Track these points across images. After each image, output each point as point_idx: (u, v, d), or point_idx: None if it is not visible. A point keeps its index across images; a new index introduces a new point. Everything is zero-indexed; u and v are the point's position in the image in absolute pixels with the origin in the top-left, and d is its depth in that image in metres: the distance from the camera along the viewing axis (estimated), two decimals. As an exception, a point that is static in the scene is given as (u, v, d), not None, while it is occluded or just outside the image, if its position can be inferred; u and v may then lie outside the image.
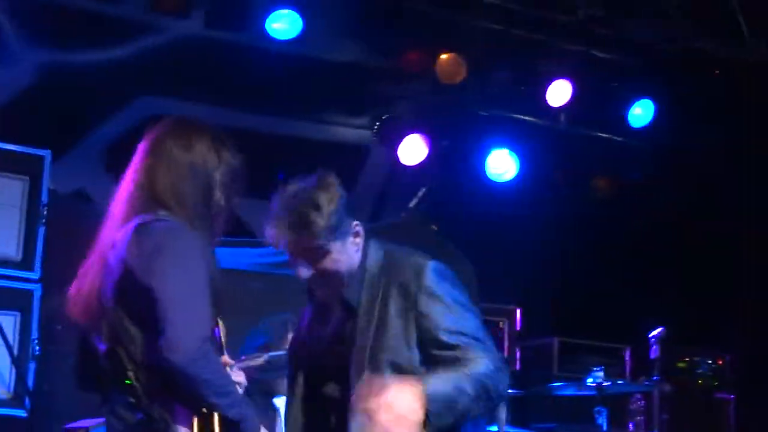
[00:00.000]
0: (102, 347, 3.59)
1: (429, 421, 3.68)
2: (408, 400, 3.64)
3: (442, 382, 3.75)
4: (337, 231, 3.87)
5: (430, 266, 3.94)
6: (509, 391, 3.92)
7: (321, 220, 3.81)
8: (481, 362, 3.85)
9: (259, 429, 3.66)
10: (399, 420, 3.62)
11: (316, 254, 3.89)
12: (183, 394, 3.51)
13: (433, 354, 3.89)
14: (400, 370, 3.96)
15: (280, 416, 5.46)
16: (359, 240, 3.97)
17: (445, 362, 3.86)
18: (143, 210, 3.61)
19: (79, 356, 3.83)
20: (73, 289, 3.73)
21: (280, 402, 5.44)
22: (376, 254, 4.01)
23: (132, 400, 3.47)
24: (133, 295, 3.50)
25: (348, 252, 3.95)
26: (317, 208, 3.84)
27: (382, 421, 3.61)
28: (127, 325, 3.53)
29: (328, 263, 3.92)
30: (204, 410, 3.53)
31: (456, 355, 3.84)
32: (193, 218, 3.61)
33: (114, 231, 3.63)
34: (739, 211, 8.16)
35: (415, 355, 3.94)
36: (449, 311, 3.90)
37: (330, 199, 3.87)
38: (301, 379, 4.15)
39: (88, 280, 3.67)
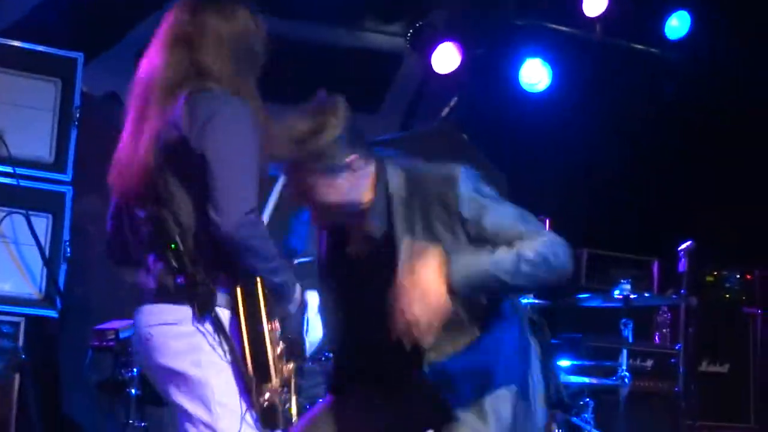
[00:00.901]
0: (142, 213, 3.62)
1: (457, 294, 3.68)
2: (431, 274, 3.65)
3: (475, 257, 3.73)
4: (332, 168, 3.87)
5: (462, 173, 3.91)
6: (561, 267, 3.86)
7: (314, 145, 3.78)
8: (535, 238, 3.85)
9: (297, 293, 3.72)
10: (423, 294, 3.62)
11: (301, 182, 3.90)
12: (228, 259, 3.55)
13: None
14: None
15: (307, 308, 5.50)
16: (354, 177, 3.93)
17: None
18: (189, 80, 3.61)
19: (113, 227, 3.84)
20: (116, 156, 3.73)
21: (309, 296, 5.49)
22: (396, 178, 3.97)
23: (175, 264, 3.48)
24: (185, 161, 3.52)
25: (337, 185, 3.90)
26: (314, 133, 3.83)
27: (410, 295, 3.61)
28: (174, 190, 3.55)
29: (318, 194, 3.90)
30: (245, 279, 3.57)
31: (510, 240, 3.85)
32: (239, 87, 3.61)
33: (159, 101, 3.61)
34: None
35: None
36: (492, 209, 3.88)
37: (328, 125, 3.83)
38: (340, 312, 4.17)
39: (129, 147, 3.67)
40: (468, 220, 3.87)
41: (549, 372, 4.24)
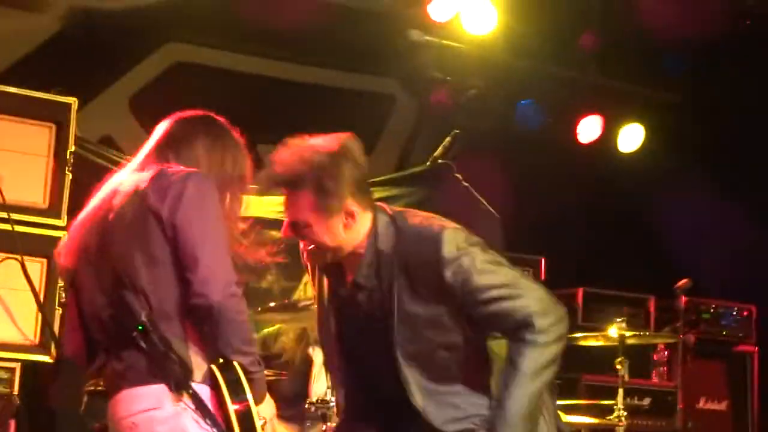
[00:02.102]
0: (101, 298, 3.56)
1: None
2: None
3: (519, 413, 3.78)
4: (326, 209, 3.89)
5: (445, 237, 3.89)
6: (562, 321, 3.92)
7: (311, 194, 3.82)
8: (526, 309, 3.85)
9: (265, 385, 3.65)
10: None
11: (298, 223, 3.90)
12: (205, 338, 3.54)
13: (478, 314, 3.89)
14: (453, 348, 3.98)
15: (315, 364, 5.49)
16: (353, 223, 3.94)
17: (490, 319, 3.88)
18: (159, 162, 3.65)
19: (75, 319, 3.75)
20: (71, 233, 3.72)
21: (314, 353, 5.48)
22: (386, 232, 3.97)
23: (144, 345, 3.42)
24: (154, 238, 3.50)
25: (334, 230, 3.91)
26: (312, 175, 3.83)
27: None
28: (142, 265, 3.49)
29: (312, 235, 3.92)
30: (220, 360, 3.56)
31: (499, 308, 3.86)
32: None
33: (128, 179, 3.63)
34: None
35: (465, 326, 3.94)
36: (477, 272, 3.88)
37: (331, 176, 3.83)
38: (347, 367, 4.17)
39: (85, 226, 3.66)
40: (452, 285, 3.87)
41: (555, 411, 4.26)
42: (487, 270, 3.86)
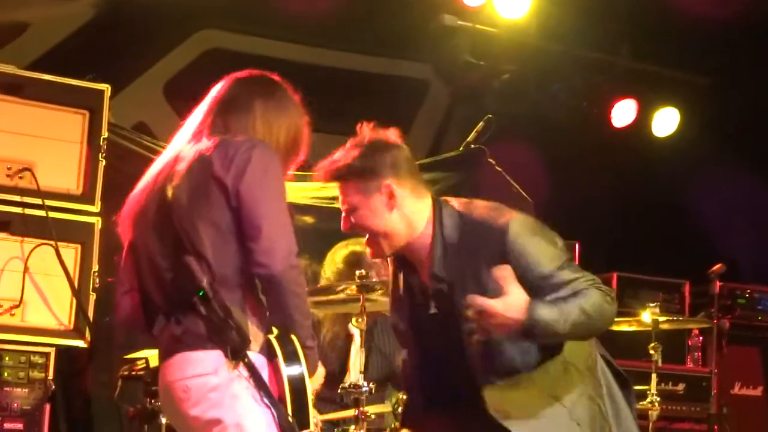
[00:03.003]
0: (164, 261, 3.57)
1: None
2: (513, 314, 3.75)
3: (550, 309, 3.81)
4: (366, 189, 3.93)
5: (512, 224, 3.93)
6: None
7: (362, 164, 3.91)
8: (590, 292, 3.89)
9: (317, 359, 3.66)
10: (499, 326, 3.77)
11: (350, 209, 3.96)
12: (260, 304, 3.56)
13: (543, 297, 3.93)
14: (519, 358, 4.01)
15: (356, 339, 5.50)
16: (393, 203, 3.98)
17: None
18: (215, 126, 3.67)
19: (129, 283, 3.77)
20: (130, 201, 3.73)
21: (353, 330, 5.50)
22: (450, 222, 4.02)
23: (204, 311, 3.42)
24: (218, 205, 3.51)
25: (379, 212, 3.97)
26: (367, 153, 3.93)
27: (486, 322, 3.77)
28: (205, 233, 3.50)
29: (361, 220, 3.97)
30: (279, 330, 3.57)
31: (563, 292, 3.89)
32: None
33: (185, 149, 3.65)
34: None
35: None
36: (540, 264, 3.91)
37: (373, 158, 3.94)
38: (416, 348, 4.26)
39: (145, 193, 3.67)
40: (520, 270, 3.89)
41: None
42: (550, 265, 3.91)
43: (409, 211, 3.99)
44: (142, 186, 3.71)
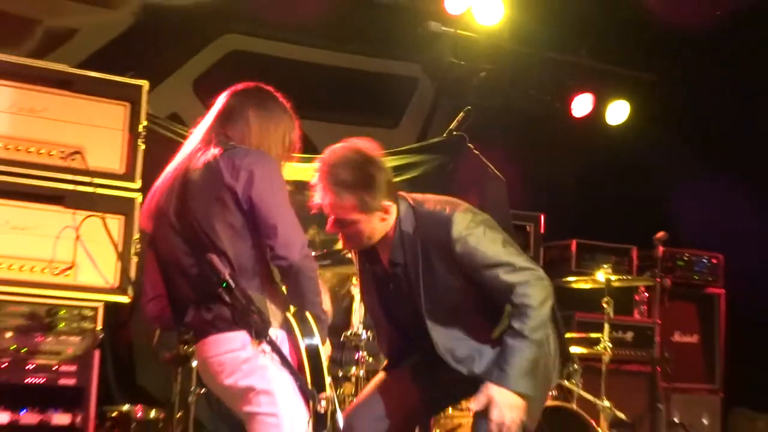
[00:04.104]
0: (189, 259, 3.59)
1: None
2: (512, 412, 3.82)
3: (519, 372, 3.83)
4: (367, 211, 3.93)
5: (455, 219, 3.94)
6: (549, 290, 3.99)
7: (358, 200, 3.90)
8: (519, 282, 3.90)
9: (326, 331, 3.69)
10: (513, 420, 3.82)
11: (344, 224, 3.95)
12: (275, 290, 3.58)
13: (483, 282, 3.94)
14: (459, 311, 4.02)
15: (356, 297, 5.52)
16: (387, 216, 3.99)
17: (493, 286, 3.92)
18: (220, 134, 3.67)
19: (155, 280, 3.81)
20: (148, 202, 3.76)
21: (354, 290, 5.50)
22: (407, 216, 4.03)
23: (228, 299, 3.37)
24: (231, 210, 3.52)
25: (373, 224, 3.98)
26: (357, 189, 3.90)
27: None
28: (223, 232, 3.52)
29: (354, 231, 3.97)
30: (296, 309, 3.59)
31: (498, 280, 3.90)
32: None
33: (192, 158, 3.64)
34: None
35: (469, 295, 3.99)
36: (480, 249, 3.92)
37: (370, 186, 3.92)
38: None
39: (162, 196, 3.68)
40: (461, 259, 3.91)
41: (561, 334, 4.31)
42: (489, 247, 3.92)
43: (390, 217, 4.02)
44: (157, 187, 3.73)
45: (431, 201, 4.07)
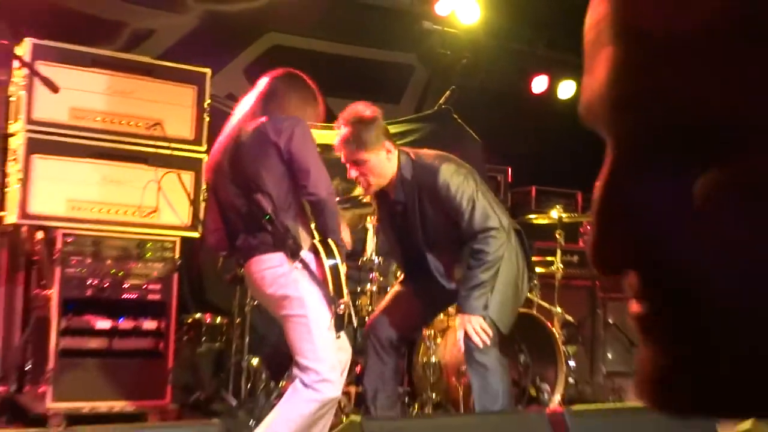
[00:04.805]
0: (239, 198, 3.59)
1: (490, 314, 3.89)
2: (474, 324, 3.83)
3: (474, 297, 3.84)
4: (373, 148, 3.92)
5: (442, 170, 3.93)
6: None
7: (364, 138, 3.88)
8: (482, 217, 3.90)
9: (344, 259, 3.69)
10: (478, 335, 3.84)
11: (359, 163, 3.94)
12: (305, 221, 3.58)
13: (460, 218, 3.93)
14: (446, 241, 4.03)
15: (370, 230, 5.52)
16: (391, 155, 3.97)
17: (466, 220, 3.91)
18: (263, 107, 3.68)
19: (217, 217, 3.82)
20: (210, 159, 3.79)
21: (367, 222, 5.49)
22: (406, 165, 4.02)
23: (270, 228, 3.42)
24: (274, 160, 3.51)
25: (380, 162, 3.96)
26: (363, 130, 3.89)
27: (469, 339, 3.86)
28: (267, 178, 3.51)
29: (367, 169, 3.95)
30: (320, 236, 3.58)
31: (469, 216, 3.89)
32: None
33: (243, 123, 3.65)
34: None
35: (453, 231, 3.99)
36: (464, 198, 3.91)
37: (370, 126, 3.90)
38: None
39: (220, 153, 3.69)
40: (445, 200, 3.91)
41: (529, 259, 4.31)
42: (464, 193, 3.91)
43: (393, 161, 4.00)
44: (215, 148, 3.75)
45: (426, 155, 4.06)
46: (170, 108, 5.12)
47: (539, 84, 8.30)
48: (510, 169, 7.64)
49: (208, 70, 5.24)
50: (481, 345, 3.81)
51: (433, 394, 4.83)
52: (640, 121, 0.52)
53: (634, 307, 0.55)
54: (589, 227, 0.55)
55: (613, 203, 0.54)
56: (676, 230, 0.50)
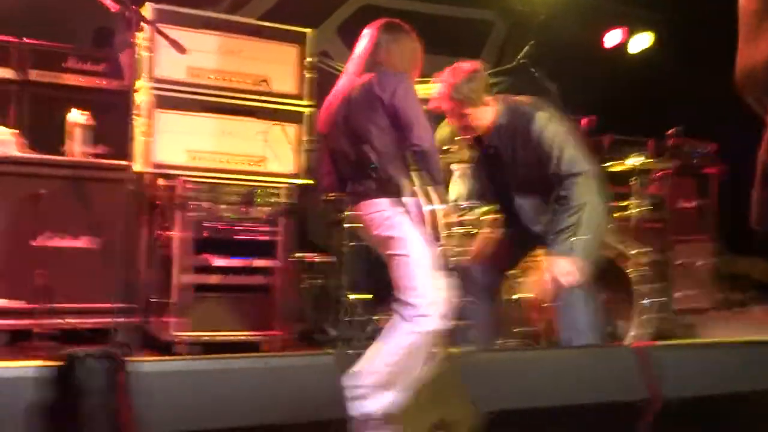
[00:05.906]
0: (348, 147, 3.61)
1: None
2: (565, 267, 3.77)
3: (582, 242, 3.78)
4: (474, 103, 3.87)
5: (536, 116, 3.87)
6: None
7: (467, 93, 3.83)
8: (575, 161, 3.82)
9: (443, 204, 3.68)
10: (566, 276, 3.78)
11: (461, 116, 3.91)
12: (407, 171, 3.57)
13: (551, 163, 3.88)
14: (534, 185, 3.98)
15: (455, 174, 5.50)
16: (490, 107, 3.92)
17: (557, 164, 3.84)
18: (372, 61, 3.67)
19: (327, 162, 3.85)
20: (323, 112, 3.79)
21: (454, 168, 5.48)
22: (503, 111, 3.97)
23: (375, 176, 3.45)
24: (380, 114, 3.51)
25: (479, 114, 3.92)
26: (465, 86, 3.85)
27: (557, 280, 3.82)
28: (373, 130, 3.53)
29: (468, 121, 3.92)
30: (422, 184, 3.57)
31: (561, 160, 3.83)
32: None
33: (353, 79, 3.66)
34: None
35: (543, 175, 3.94)
36: (555, 144, 3.86)
37: (472, 82, 3.87)
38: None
39: (333, 107, 3.70)
40: (538, 145, 3.85)
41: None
42: (555, 138, 3.86)
43: (491, 111, 3.96)
44: (329, 102, 3.74)
45: (522, 101, 4.02)
46: (275, 65, 5.13)
47: (612, 37, 8.05)
48: (590, 120, 7.47)
49: (309, 30, 5.23)
50: (567, 286, 3.80)
51: (516, 330, 4.84)
52: None
53: None
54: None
55: None
56: None
